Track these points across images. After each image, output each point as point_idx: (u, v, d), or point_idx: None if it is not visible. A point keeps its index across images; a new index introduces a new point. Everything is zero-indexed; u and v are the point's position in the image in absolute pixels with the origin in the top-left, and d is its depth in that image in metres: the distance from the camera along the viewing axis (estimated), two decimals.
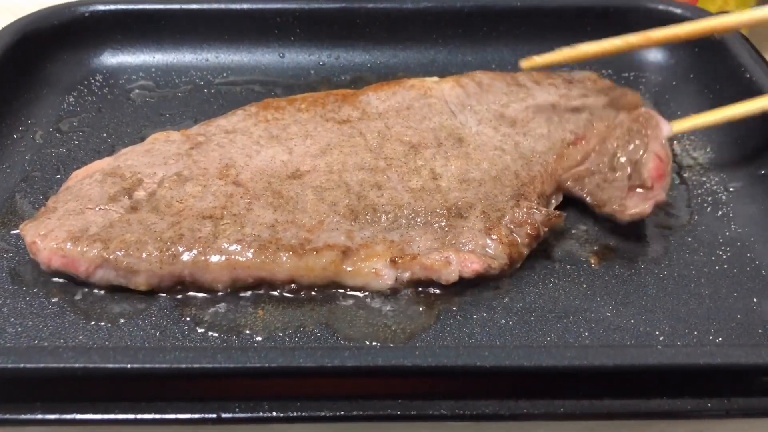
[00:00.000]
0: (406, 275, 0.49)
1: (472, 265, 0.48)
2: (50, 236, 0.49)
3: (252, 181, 0.53)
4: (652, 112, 0.57)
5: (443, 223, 0.51)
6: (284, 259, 0.48)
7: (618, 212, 0.53)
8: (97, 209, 0.51)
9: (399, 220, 0.51)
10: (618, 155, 0.55)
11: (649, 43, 0.57)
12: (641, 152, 0.54)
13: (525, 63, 0.58)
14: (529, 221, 0.51)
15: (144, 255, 0.48)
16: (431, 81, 0.62)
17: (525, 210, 0.51)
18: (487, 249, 0.50)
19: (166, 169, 0.54)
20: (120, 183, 0.53)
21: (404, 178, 0.54)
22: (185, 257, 0.48)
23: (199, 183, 0.53)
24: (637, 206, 0.52)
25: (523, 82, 0.62)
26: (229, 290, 0.49)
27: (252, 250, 0.48)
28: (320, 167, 0.54)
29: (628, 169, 0.54)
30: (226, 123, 0.58)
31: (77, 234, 0.49)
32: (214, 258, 0.48)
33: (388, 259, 0.49)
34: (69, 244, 0.48)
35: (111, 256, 0.48)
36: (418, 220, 0.51)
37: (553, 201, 0.56)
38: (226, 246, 0.48)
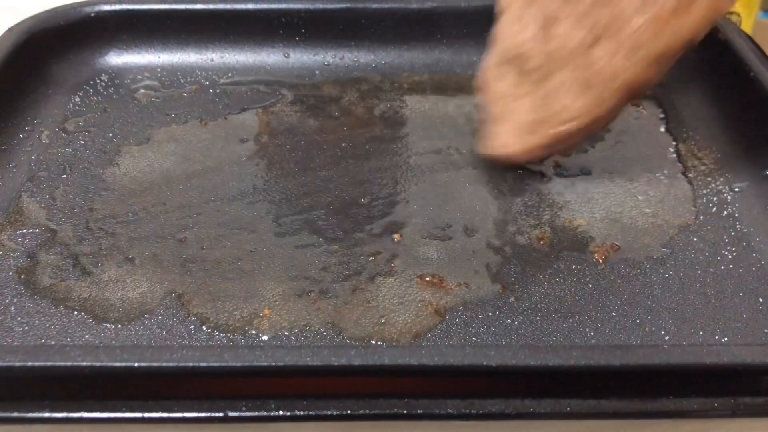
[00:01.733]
0: None
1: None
2: (506, 137, 0.56)
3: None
4: None
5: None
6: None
7: None
8: (513, 102, 0.56)
9: None
10: None
11: None
12: None
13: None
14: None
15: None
16: None
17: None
18: None
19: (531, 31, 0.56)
20: (513, 67, 0.56)
21: None
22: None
23: (562, 24, 0.54)
24: None
25: None
26: None
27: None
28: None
29: None
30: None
31: (522, 126, 0.55)
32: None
33: None
34: (521, 136, 0.55)
35: (558, 130, 0.53)
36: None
37: None
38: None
